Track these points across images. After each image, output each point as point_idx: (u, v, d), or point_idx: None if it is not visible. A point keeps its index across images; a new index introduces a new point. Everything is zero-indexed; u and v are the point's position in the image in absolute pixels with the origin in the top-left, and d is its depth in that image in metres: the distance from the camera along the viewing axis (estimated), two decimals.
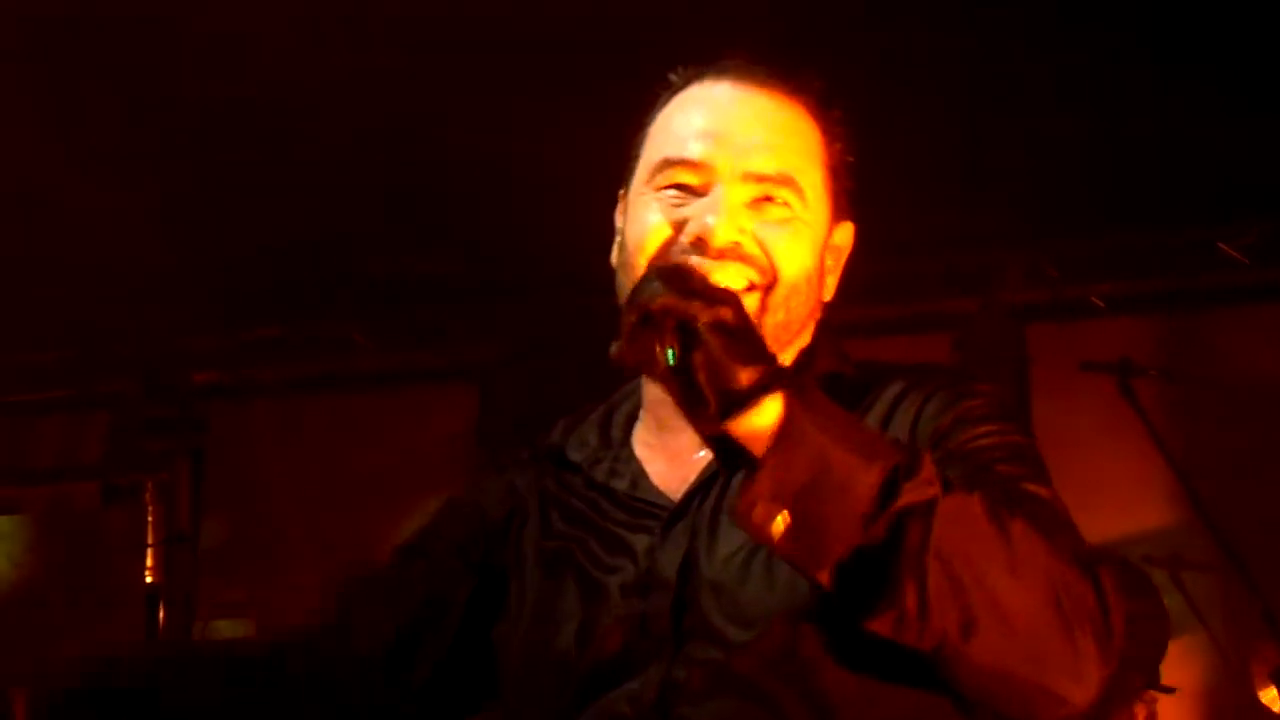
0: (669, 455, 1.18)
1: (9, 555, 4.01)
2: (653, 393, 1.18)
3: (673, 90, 1.20)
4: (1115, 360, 3.51)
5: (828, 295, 1.18)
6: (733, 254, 1.07)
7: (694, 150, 1.11)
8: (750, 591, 1.05)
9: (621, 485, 1.19)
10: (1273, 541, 3.70)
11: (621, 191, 1.22)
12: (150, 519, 3.72)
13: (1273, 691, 3.42)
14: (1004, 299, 3.89)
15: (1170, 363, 3.85)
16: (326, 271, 3.97)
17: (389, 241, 4.00)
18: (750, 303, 1.04)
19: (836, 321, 1.23)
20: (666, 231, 1.11)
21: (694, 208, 1.09)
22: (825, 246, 1.15)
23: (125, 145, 3.63)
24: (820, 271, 1.15)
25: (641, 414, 1.25)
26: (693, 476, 1.14)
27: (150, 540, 3.71)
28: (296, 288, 4.01)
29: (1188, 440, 3.75)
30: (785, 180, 1.10)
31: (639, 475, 1.19)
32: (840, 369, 1.18)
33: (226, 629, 4.12)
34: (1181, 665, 3.73)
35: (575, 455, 1.23)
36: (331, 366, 4.38)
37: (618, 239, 1.20)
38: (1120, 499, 3.97)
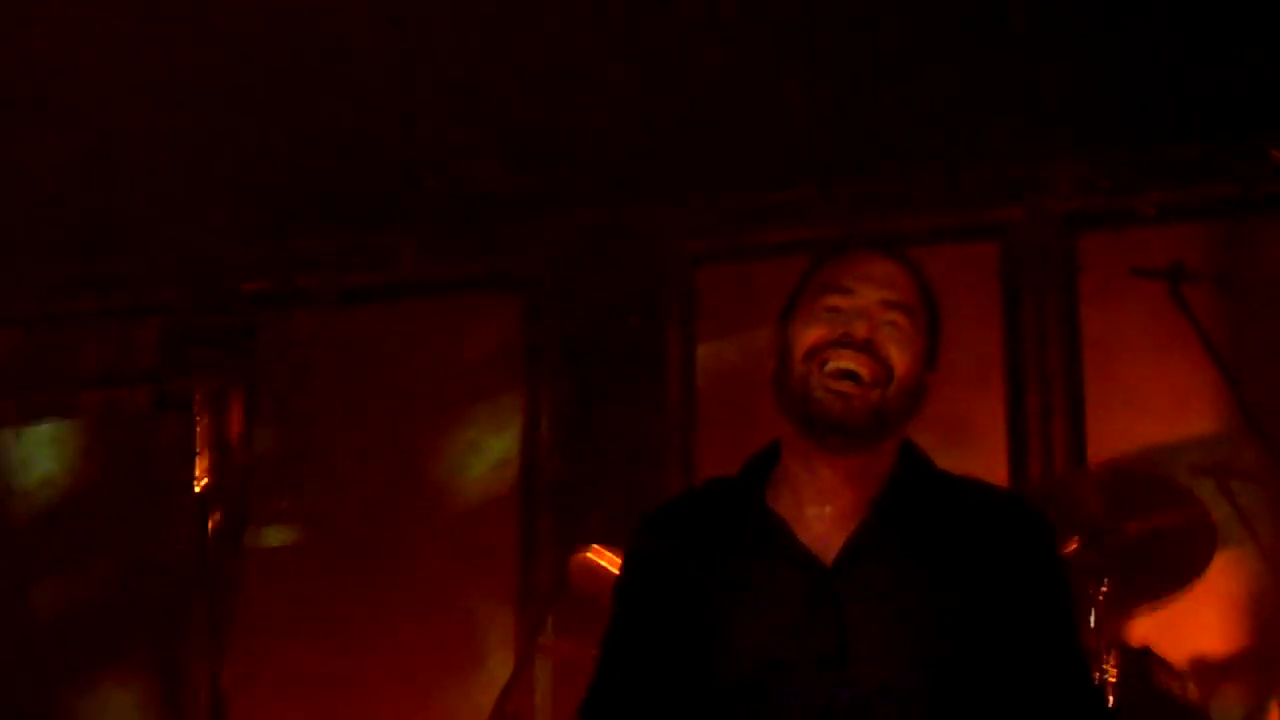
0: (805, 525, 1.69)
1: (61, 460, 4.16)
2: (793, 470, 1.71)
3: (826, 258, 1.76)
4: (1165, 266, 3.55)
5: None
6: (866, 348, 1.59)
7: (846, 281, 1.66)
8: (886, 644, 1.58)
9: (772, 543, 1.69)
10: None
11: (780, 323, 1.73)
12: (200, 426, 3.88)
13: None
14: (1052, 207, 4.04)
15: (1221, 269, 3.95)
16: (374, 182, 4.22)
17: (437, 152, 4.21)
18: (873, 396, 1.58)
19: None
20: (821, 332, 1.62)
21: (843, 318, 1.62)
22: (923, 369, 1.64)
23: (176, 60, 3.84)
24: (920, 383, 1.64)
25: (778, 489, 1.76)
26: (837, 544, 1.65)
27: (200, 447, 3.84)
28: (345, 199, 4.27)
29: (1237, 347, 3.82)
30: (906, 307, 1.62)
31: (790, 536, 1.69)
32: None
33: (275, 537, 4.30)
34: (1229, 575, 3.78)
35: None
36: (378, 277, 4.61)
37: (777, 356, 1.70)
38: (1168, 407, 4.05)
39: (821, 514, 1.72)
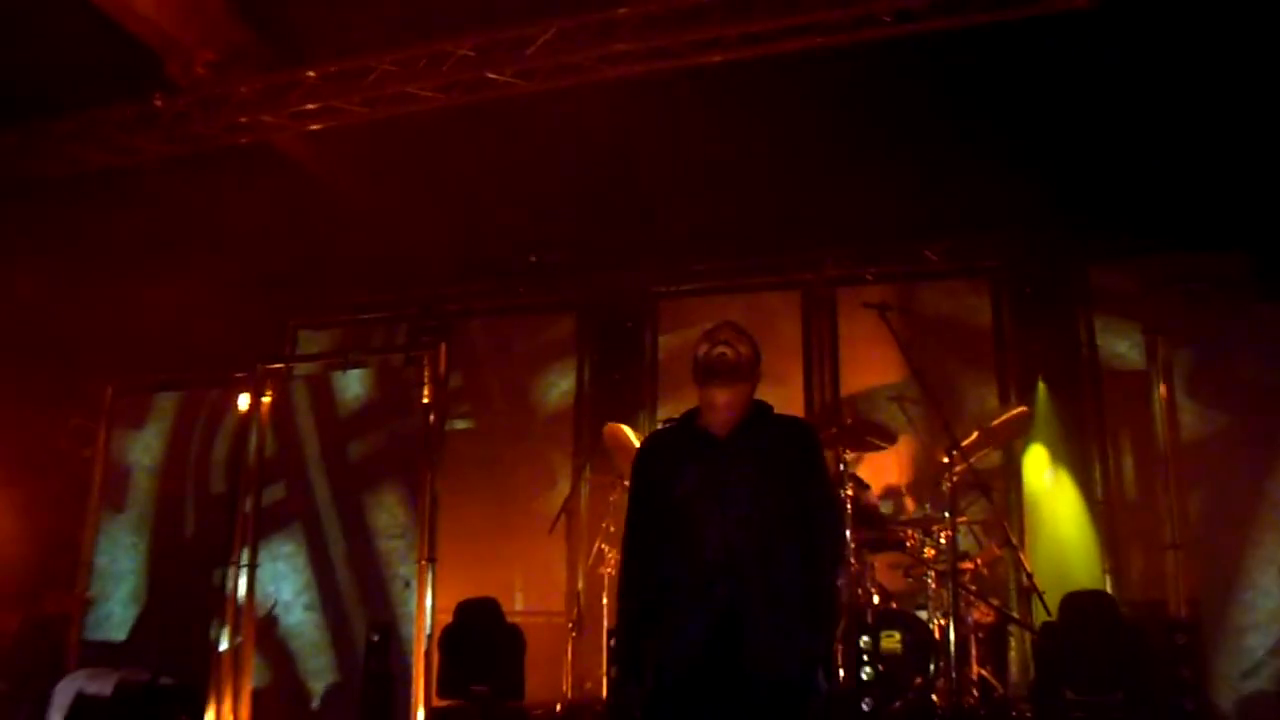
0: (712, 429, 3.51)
1: (361, 389, 7.24)
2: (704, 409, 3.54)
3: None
4: (878, 302, 6.08)
5: None
6: (728, 344, 3.55)
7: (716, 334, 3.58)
8: (747, 484, 3.46)
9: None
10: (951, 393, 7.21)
11: (693, 365, 3.56)
12: (426, 373, 7.01)
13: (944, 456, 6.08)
14: (825, 274, 7.66)
15: (904, 305, 7.28)
16: (508, 250, 7.86)
17: (538, 237, 7.80)
18: (732, 356, 3.51)
19: None
20: (708, 345, 3.56)
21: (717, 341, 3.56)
22: (754, 361, 3.56)
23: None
24: (753, 365, 3.55)
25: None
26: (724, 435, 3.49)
27: (426, 383, 7.33)
28: (494, 261, 7.97)
29: (911, 342, 6.55)
30: (742, 341, 3.58)
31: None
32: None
33: (459, 425, 8.22)
34: (903, 445, 7.00)
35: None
36: (508, 301, 8.53)
37: (692, 365, 3.57)
38: (879, 370, 7.48)
39: (717, 421, 3.48)
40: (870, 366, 7.53)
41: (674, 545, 3.49)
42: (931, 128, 6.39)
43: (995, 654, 6.41)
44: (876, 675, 5.50)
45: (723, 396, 3.51)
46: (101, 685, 5.93)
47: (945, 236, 7.50)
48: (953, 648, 5.67)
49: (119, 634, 7.37)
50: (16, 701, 6.21)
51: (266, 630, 7.02)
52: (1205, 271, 6.69)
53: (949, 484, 6.02)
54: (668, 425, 3.84)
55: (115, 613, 7.46)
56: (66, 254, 7.73)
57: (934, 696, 5.72)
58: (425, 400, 6.91)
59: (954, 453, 6.03)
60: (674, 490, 3.51)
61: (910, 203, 7.11)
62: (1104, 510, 7.32)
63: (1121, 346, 7.49)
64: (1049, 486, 7.45)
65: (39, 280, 7.98)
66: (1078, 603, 5.54)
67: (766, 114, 6.46)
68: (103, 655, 6.99)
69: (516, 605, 7.26)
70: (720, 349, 3.50)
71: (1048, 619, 5.70)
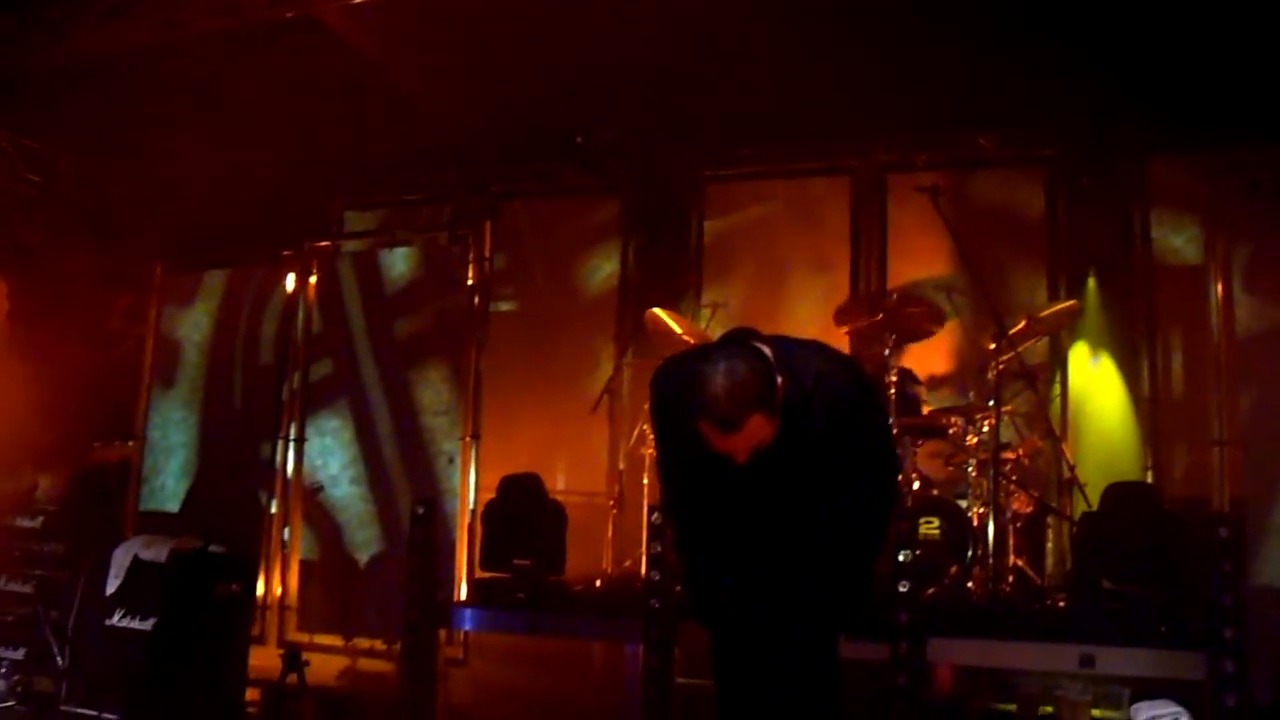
0: None
1: (407, 268, 7.44)
2: None
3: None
4: (929, 186, 5.94)
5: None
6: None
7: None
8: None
9: None
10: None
11: None
12: (471, 252, 7.21)
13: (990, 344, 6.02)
14: (876, 160, 7.54)
15: (956, 191, 7.13)
16: (558, 135, 7.80)
17: (584, 119, 7.66)
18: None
19: None
20: None
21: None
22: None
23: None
24: None
25: None
26: None
27: (471, 262, 7.33)
28: (544, 147, 7.96)
29: (961, 228, 6.27)
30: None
31: None
32: None
33: (502, 307, 8.23)
34: (947, 333, 6.79)
35: None
36: (554, 185, 8.52)
37: None
38: (928, 258, 7.35)
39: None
40: (918, 257, 7.44)
41: (705, 517, 3.33)
42: (990, 9, 6.18)
43: (1032, 545, 6.44)
44: (913, 560, 5.52)
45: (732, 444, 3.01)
46: (157, 551, 6.13)
47: (1001, 124, 7.33)
48: (991, 537, 5.69)
49: (172, 505, 7.60)
50: (76, 565, 6.43)
51: (313, 503, 7.19)
52: (1270, 164, 6.49)
53: (994, 372, 5.98)
54: (679, 367, 3.26)
55: (168, 485, 7.69)
56: (115, 135, 7.74)
57: (969, 584, 5.76)
58: (470, 280, 7.04)
59: (1001, 340, 5.97)
60: (695, 475, 3.25)
61: (966, 88, 6.89)
62: (1150, 406, 7.24)
63: (1177, 240, 7.34)
64: (1094, 380, 7.36)
65: (87, 162, 8.21)
66: (1119, 493, 5.49)
67: None
68: (157, 525, 7.20)
69: (558, 484, 7.37)
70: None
71: (1088, 510, 5.68)
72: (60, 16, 6.96)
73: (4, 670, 6.40)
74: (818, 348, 3.25)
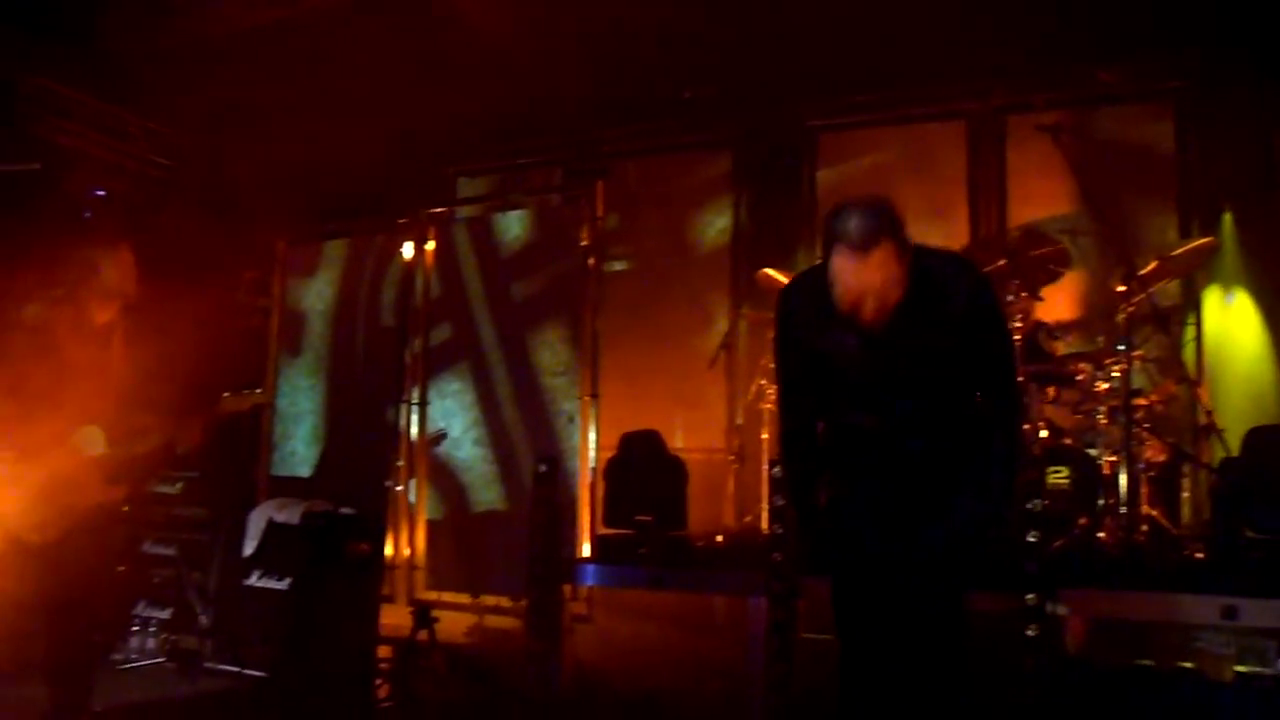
0: None
1: (520, 230, 7.53)
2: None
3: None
4: (1051, 124, 5.76)
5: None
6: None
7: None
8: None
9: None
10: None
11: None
12: (585, 211, 7.19)
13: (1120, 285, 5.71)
14: (994, 102, 7.29)
15: (1080, 130, 6.89)
16: (664, 91, 7.71)
17: (691, 73, 7.56)
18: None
19: None
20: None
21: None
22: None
23: None
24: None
25: None
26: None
27: (584, 221, 7.27)
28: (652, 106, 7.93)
29: (1085, 169, 6.13)
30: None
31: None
32: None
33: (615, 266, 8.25)
34: (1074, 278, 6.65)
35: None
36: (665, 140, 8.46)
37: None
38: (1050, 199, 7.13)
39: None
40: (1039, 198, 7.21)
41: (829, 413, 3.39)
42: None
43: (1167, 494, 6.19)
44: (1043, 510, 5.38)
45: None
46: (290, 514, 6.34)
47: (1124, 56, 7.00)
48: (1123, 486, 5.51)
49: (303, 470, 7.82)
50: (215, 528, 6.69)
51: (439, 465, 7.33)
52: None
53: (1124, 315, 5.77)
54: (809, 273, 3.43)
55: (298, 450, 7.92)
56: (236, 116, 7.97)
57: (1101, 535, 5.60)
58: (584, 241, 7.07)
59: (1131, 282, 5.75)
60: (826, 360, 3.35)
61: (1083, 20, 6.65)
62: None
63: None
64: (1232, 322, 7.06)
65: (211, 143, 8.42)
66: (1263, 437, 5.26)
67: None
68: (289, 490, 7.44)
69: (677, 442, 7.37)
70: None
71: (1227, 456, 5.46)
72: (178, 2, 7.14)
73: (153, 629, 6.70)
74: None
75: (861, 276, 3.06)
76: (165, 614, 6.70)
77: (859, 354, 3.22)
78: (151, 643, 6.66)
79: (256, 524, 6.47)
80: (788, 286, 3.52)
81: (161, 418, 4.65)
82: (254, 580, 6.27)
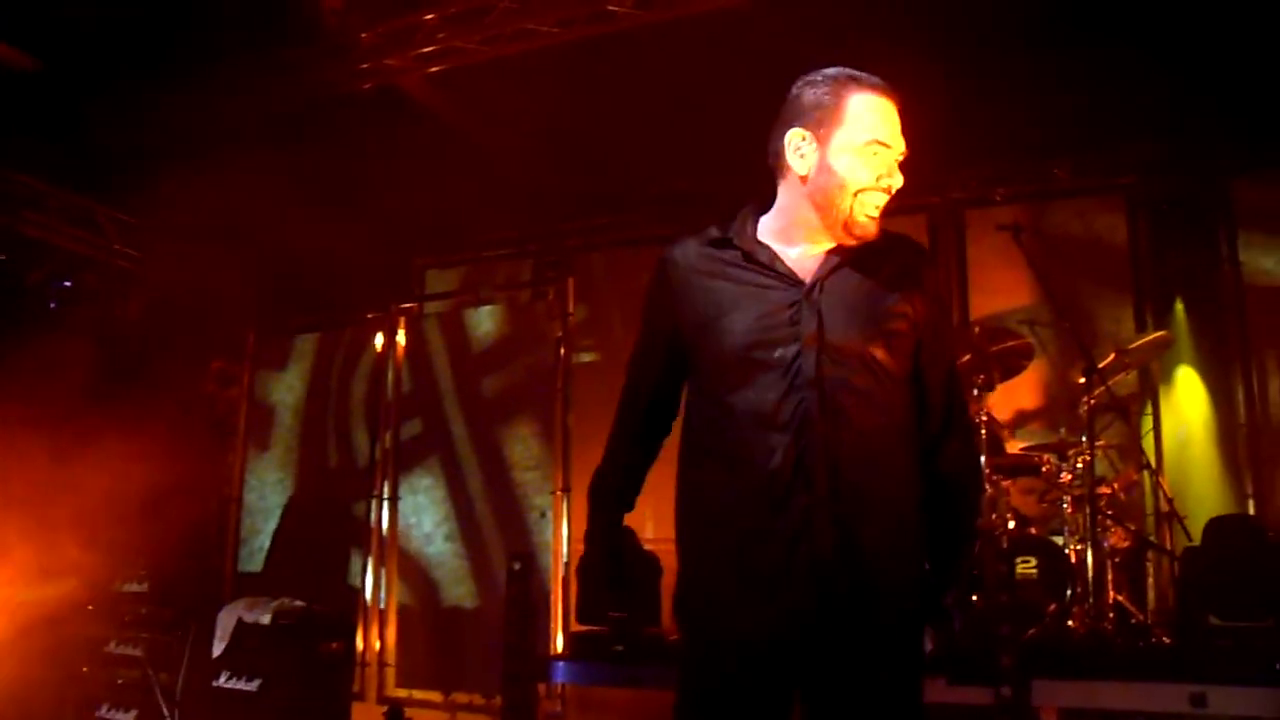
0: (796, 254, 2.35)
1: (492, 325, 7.56)
2: (802, 215, 2.34)
3: (855, 87, 2.34)
4: (1010, 224, 5.80)
5: None
6: (889, 191, 2.35)
7: (885, 136, 2.32)
8: (848, 328, 2.27)
9: (763, 259, 2.36)
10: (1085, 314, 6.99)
11: (806, 132, 2.34)
12: (555, 307, 7.23)
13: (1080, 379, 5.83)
14: (953, 196, 7.46)
15: (1037, 227, 7.08)
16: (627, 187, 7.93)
17: (658, 169, 7.75)
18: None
19: None
20: (867, 177, 2.32)
21: (883, 167, 2.34)
22: None
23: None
24: None
25: (773, 225, 2.41)
26: (814, 270, 2.32)
27: (554, 316, 7.32)
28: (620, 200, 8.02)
29: (1044, 265, 6.13)
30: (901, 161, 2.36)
31: (775, 257, 2.35)
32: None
33: (584, 359, 8.31)
34: (1034, 370, 6.64)
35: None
36: (624, 236, 8.55)
37: (815, 158, 2.33)
38: (1009, 293, 7.31)
39: (806, 253, 2.37)
40: (999, 290, 7.40)
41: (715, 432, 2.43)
42: (1056, 34, 6.11)
43: (1133, 580, 6.30)
44: (1013, 601, 5.46)
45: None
46: (259, 614, 6.28)
47: (1075, 151, 7.26)
48: (1090, 573, 5.60)
49: (271, 566, 7.75)
50: (183, 628, 6.60)
51: (409, 559, 7.30)
52: None
53: (1085, 407, 5.89)
54: (713, 230, 2.59)
55: (266, 545, 7.84)
56: (206, 211, 7.71)
57: (1070, 623, 5.67)
58: (556, 334, 7.12)
59: (1091, 375, 5.89)
60: (718, 340, 2.39)
61: (1038, 117, 6.84)
62: (1247, 433, 7.09)
63: (1268, 262, 7.21)
64: (1188, 409, 7.22)
65: (181, 237, 8.21)
66: (1222, 526, 5.41)
67: (881, 30, 6.21)
68: (257, 586, 7.36)
69: (647, 533, 7.37)
70: (879, 201, 2.50)
71: (1189, 544, 5.58)
72: (154, 97, 7.19)
73: None
74: None
75: (899, 132, 2.37)
76: (130, 716, 6.57)
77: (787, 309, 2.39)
78: None
79: (225, 624, 6.39)
80: (672, 247, 2.62)
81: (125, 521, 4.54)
82: (223, 681, 6.18)
